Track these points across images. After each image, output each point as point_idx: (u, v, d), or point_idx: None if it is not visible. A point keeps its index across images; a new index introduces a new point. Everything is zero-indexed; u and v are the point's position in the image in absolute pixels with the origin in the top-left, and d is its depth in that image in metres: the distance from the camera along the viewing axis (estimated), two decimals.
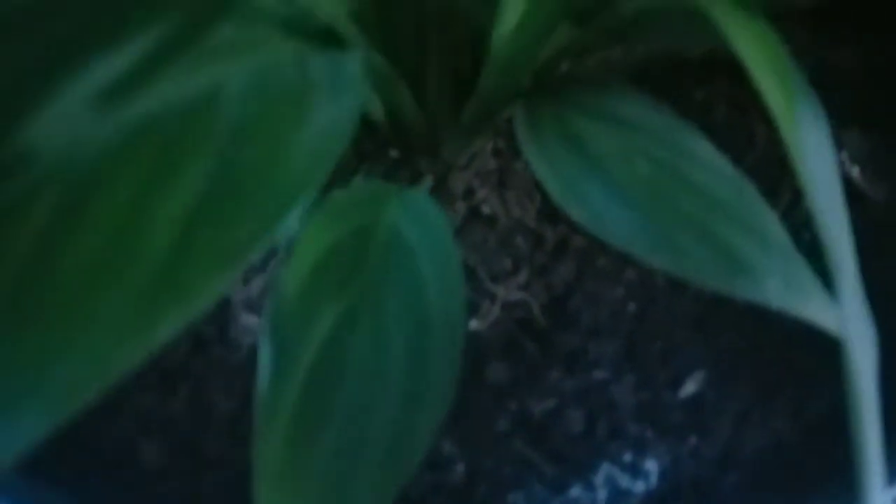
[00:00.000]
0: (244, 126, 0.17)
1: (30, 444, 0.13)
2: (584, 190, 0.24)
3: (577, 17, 0.23)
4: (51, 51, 0.13)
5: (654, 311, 0.34)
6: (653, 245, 0.23)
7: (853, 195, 0.37)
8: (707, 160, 0.24)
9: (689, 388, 0.33)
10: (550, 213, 0.35)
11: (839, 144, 0.35)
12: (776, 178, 0.35)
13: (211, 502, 0.32)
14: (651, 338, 0.34)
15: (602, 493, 0.32)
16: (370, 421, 0.21)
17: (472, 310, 0.34)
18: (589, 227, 0.24)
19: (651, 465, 0.32)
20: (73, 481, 0.30)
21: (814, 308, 0.22)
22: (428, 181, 0.35)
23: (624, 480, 0.32)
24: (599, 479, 0.32)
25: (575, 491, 0.32)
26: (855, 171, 0.33)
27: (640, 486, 0.32)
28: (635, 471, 0.32)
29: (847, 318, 0.17)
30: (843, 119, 0.36)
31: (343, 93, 0.19)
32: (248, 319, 0.33)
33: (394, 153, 0.36)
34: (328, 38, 0.22)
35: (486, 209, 0.36)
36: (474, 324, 0.34)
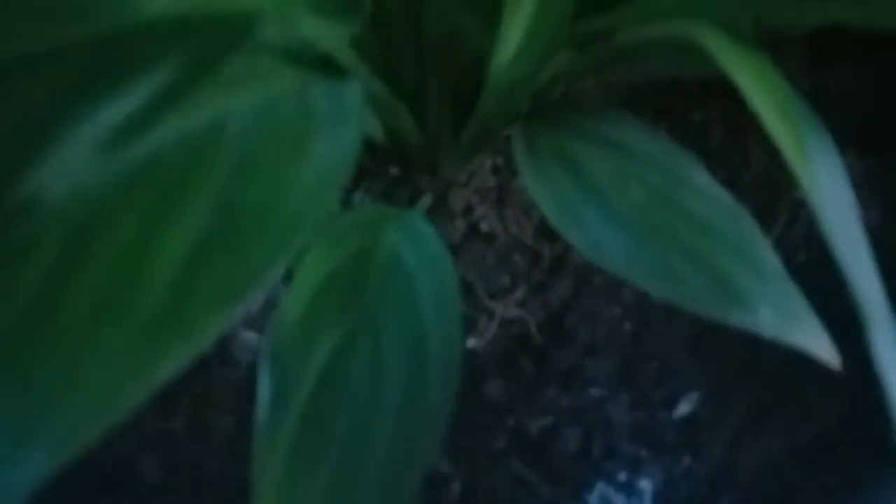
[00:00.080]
0: (247, 161, 0.17)
1: (37, 483, 0.13)
2: (580, 215, 0.25)
3: (576, 45, 0.24)
4: (56, 96, 0.13)
5: (649, 331, 0.34)
6: (648, 271, 0.23)
7: None
8: (702, 187, 0.24)
9: (684, 408, 0.33)
10: (548, 230, 0.36)
11: None
12: (772, 198, 0.35)
13: None
14: (646, 357, 0.34)
15: None
16: (368, 446, 0.21)
17: (470, 326, 0.35)
18: (585, 252, 0.24)
19: (645, 485, 0.32)
20: (74, 497, 0.30)
21: (806, 337, 0.22)
22: (427, 199, 0.36)
23: (619, 500, 0.32)
24: (594, 498, 0.32)
25: None
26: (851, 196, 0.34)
27: None
28: (630, 490, 0.32)
29: (883, 360, 0.17)
30: (840, 141, 0.36)
31: (344, 125, 0.19)
32: (248, 336, 0.34)
33: (394, 170, 0.36)
34: (329, 67, 0.22)
35: (484, 226, 0.36)
36: (472, 342, 0.34)
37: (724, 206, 0.24)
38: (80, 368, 0.13)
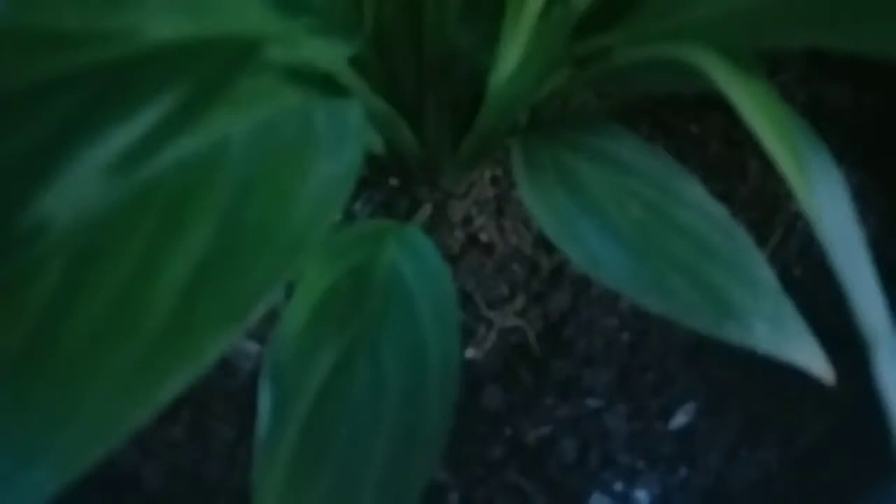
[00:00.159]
0: (249, 182, 0.17)
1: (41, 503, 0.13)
2: (577, 229, 0.25)
3: (575, 63, 0.24)
4: (64, 123, 0.13)
5: (647, 342, 0.34)
6: (643, 286, 0.24)
7: None
8: (698, 204, 0.24)
9: (680, 419, 0.33)
10: (546, 241, 0.36)
11: None
12: (769, 211, 0.36)
13: None
14: (644, 368, 0.34)
15: None
16: (368, 459, 0.21)
17: (469, 336, 0.35)
18: (582, 266, 0.24)
19: (642, 496, 0.32)
20: None
21: (801, 353, 0.22)
22: (427, 209, 0.36)
23: None
24: None
25: None
26: None
27: None
28: (626, 501, 0.32)
29: (886, 378, 0.17)
30: (836, 154, 0.37)
31: (345, 145, 0.19)
32: (248, 346, 0.34)
33: (393, 181, 0.36)
34: (331, 85, 0.22)
35: (483, 237, 0.37)
36: (471, 351, 0.34)
37: (719, 222, 0.24)
38: (83, 389, 0.14)
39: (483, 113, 0.26)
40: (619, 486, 0.32)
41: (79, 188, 0.13)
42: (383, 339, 0.23)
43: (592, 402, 0.34)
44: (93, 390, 0.13)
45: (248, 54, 0.16)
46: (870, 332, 0.18)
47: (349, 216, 0.35)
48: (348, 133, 0.19)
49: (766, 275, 0.24)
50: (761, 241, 0.35)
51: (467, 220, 0.36)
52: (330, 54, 0.20)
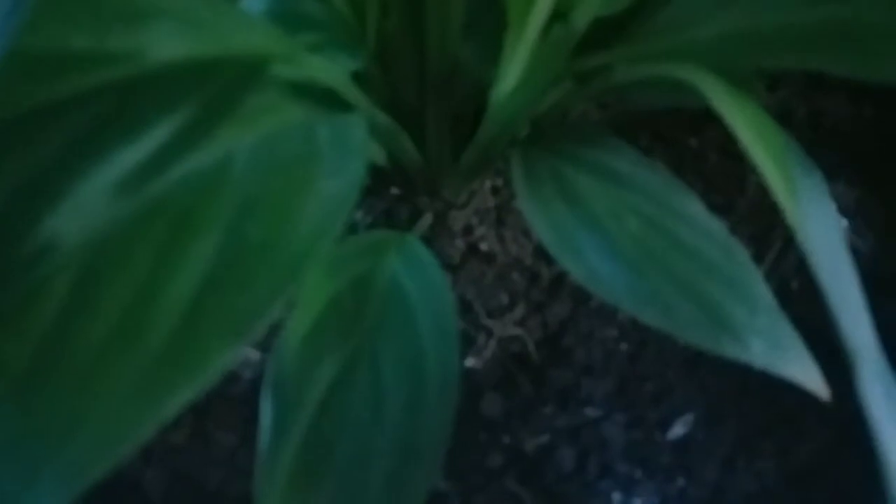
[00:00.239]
0: (253, 198, 0.17)
1: None
2: (576, 242, 0.25)
3: (575, 79, 0.24)
4: (74, 144, 0.13)
5: (645, 352, 0.35)
6: (641, 300, 0.24)
7: None
8: (697, 219, 0.25)
9: (679, 429, 0.33)
10: (546, 251, 0.36)
11: (829, 197, 0.36)
12: (767, 224, 0.36)
13: None
14: (642, 378, 0.34)
15: None
16: (367, 472, 0.21)
17: (469, 345, 0.35)
18: (581, 280, 0.25)
19: None
20: None
21: (796, 369, 0.23)
22: (427, 219, 0.36)
23: None
24: None
25: None
26: (844, 224, 0.34)
27: None
28: None
29: (868, 398, 0.18)
30: (833, 171, 0.37)
31: (348, 160, 0.19)
32: (249, 353, 0.34)
33: (395, 191, 0.36)
34: (334, 100, 0.23)
35: (483, 246, 0.37)
36: (470, 361, 0.35)
37: (717, 238, 0.24)
38: (90, 404, 0.14)
39: (484, 126, 0.27)
40: (616, 496, 0.32)
41: (86, 208, 0.13)
42: (384, 351, 0.23)
43: (591, 412, 0.34)
44: (99, 404, 0.14)
45: (253, 73, 0.16)
46: (854, 348, 0.18)
47: (351, 225, 0.35)
48: (351, 149, 0.19)
49: (763, 291, 0.24)
50: (759, 254, 0.35)
51: (468, 230, 0.37)
52: (333, 70, 0.20)
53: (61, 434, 0.14)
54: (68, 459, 0.14)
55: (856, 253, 0.36)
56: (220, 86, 0.16)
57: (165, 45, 0.16)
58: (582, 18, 0.23)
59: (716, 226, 0.26)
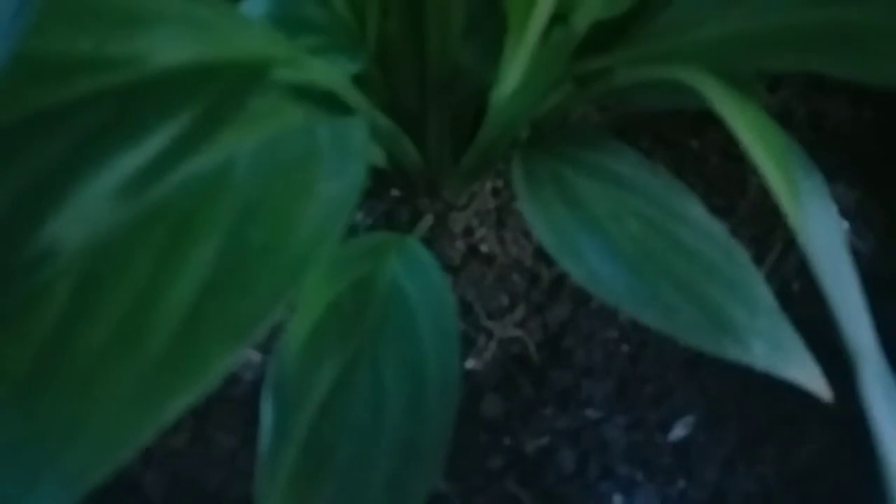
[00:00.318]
0: (253, 202, 0.17)
1: None
2: (577, 244, 0.25)
3: (576, 82, 0.24)
4: (76, 148, 0.13)
5: (646, 354, 0.35)
6: (642, 302, 0.24)
7: None
8: (698, 222, 0.25)
9: (679, 431, 0.33)
10: (547, 252, 0.36)
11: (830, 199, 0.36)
12: (769, 225, 0.36)
13: None
14: (643, 379, 0.34)
15: None
16: (368, 474, 0.21)
17: (469, 346, 0.35)
18: (582, 282, 0.25)
19: None
20: None
21: (798, 371, 0.23)
22: (428, 220, 0.36)
23: None
24: None
25: None
26: (845, 225, 0.34)
27: None
28: None
29: (870, 398, 0.18)
30: (833, 172, 0.37)
31: (349, 163, 0.19)
32: (250, 355, 0.34)
33: (395, 192, 0.36)
34: (334, 102, 0.23)
35: (484, 248, 0.37)
36: (471, 362, 0.35)
37: (718, 240, 0.24)
38: (90, 408, 0.14)
39: (484, 128, 0.27)
40: (617, 498, 0.32)
41: (87, 212, 0.13)
42: (384, 353, 0.23)
43: (592, 414, 0.34)
44: (99, 409, 0.14)
45: (254, 77, 0.16)
46: (855, 349, 0.18)
47: (351, 227, 0.35)
48: (352, 151, 0.19)
49: (764, 293, 0.24)
50: (760, 256, 0.35)
51: (468, 231, 0.37)
52: (333, 73, 0.20)
53: (62, 438, 0.14)
54: (69, 463, 0.14)
55: (856, 254, 0.36)
56: (221, 90, 0.16)
57: (167, 49, 0.16)
58: (582, 21, 0.23)
59: (717, 228, 0.26)
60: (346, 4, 0.25)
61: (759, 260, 0.35)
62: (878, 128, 0.37)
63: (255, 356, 0.34)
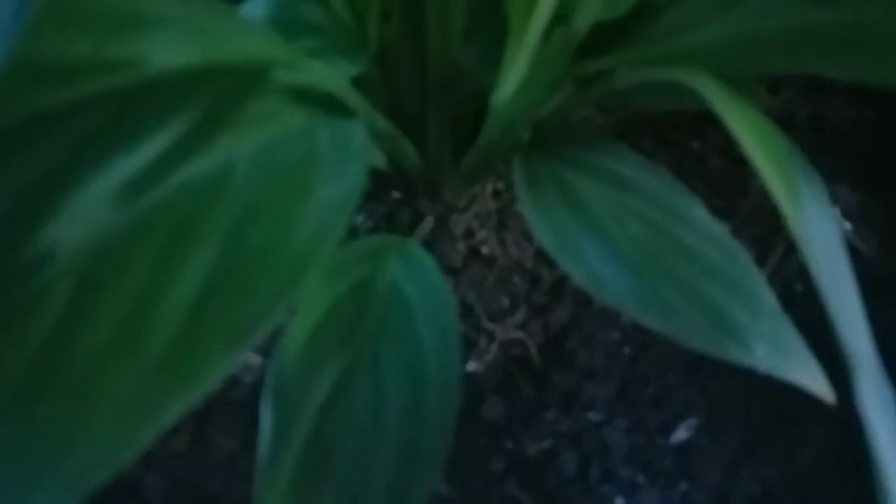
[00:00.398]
0: (252, 205, 0.17)
1: None
2: (578, 246, 0.25)
3: (577, 83, 0.24)
4: (74, 151, 0.13)
5: (648, 356, 0.35)
6: (644, 304, 0.24)
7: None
8: (699, 222, 0.24)
9: (681, 433, 0.33)
10: (548, 254, 0.36)
11: (832, 200, 0.36)
12: (771, 227, 0.36)
13: None
14: (645, 382, 0.34)
15: None
16: (368, 477, 0.21)
17: (470, 348, 0.35)
18: (583, 284, 0.25)
19: None
20: None
21: (801, 373, 0.23)
22: (429, 222, 0.36)
23: None
24: None
25: None
26: (847, 227, 0.34)
27: None
28: None
29: (864, 401, 0.18)
30: (835, 173, 0.37)
31: (348, 166, 0.19)
32: (250, 358, 0.34)
33: (396, 194, 0.36)
34: (334, 104, 0.23)
35: (485, 250, 0.37)
36: (472, 365, 0.35)
37: (720, 242, 0.24)
38: (89, 412, 0.14)
39: (485, 130, 0.27)
40: (619, 501, 0.32)
41: (86, 215, 0.13)
42: (384, 356, 0.23)
43: (593, 416, 0.34)
44: (98, 412, 0.14)
45: (253, 80, 0.16)
46: (851, 353, 0.18)
47: (352, 229, 0.35)
48: (351, 154, 0.19)
49: (766, 294, 0.24)
50: (763, 257, 0.35)
51: (469, 233, 0.37)
52: (333, 76, 0.20)
53: (62, 441, 0.14)
54: (69, 466, 0.14)
55: (858, 256, 0.36)
56: (220, 92, 0.16)
57: (166, 51, 0.16)
58: (583, 22, 0.23)
59: (718, 229, 0.25)
60: (346, 6, 0.25)
61: (761, 261, 0.35)
62: (879, 129, 0.37)
63: (256, 359, 0.34)
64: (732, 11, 0.22)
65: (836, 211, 0.35)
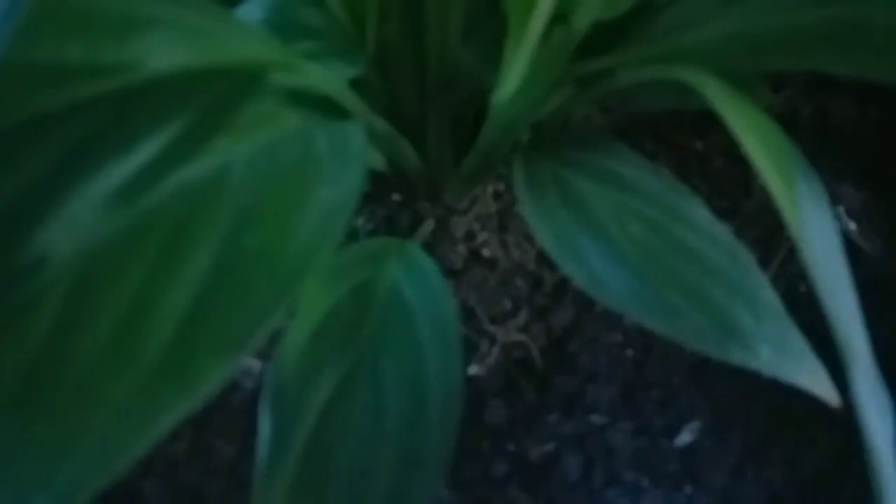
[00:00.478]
0: (249, 209, 0.17)
1: None
2: (579, 248, 0.25)
3: (577, 83, 0.24)
4: (68, 155, 0.13)
5: (651, 358, 0.34)
6: (646, 306, 0.24)
7: (850, 250, 0.37)
8: (702, 225, 0.24)
9: (686, 437, 0.33)
10: (549, 256, 0.36)
11: (835, 199, 0.36)
12: (774, 227, 0.36)
13: None
14: (648, 384, 0.34)
15: None
16: (369, 483, 0.21)
17: (472, 351, 0.35)
18: (584, 286, 0.24)
19: None
20: None
21: (805, 375, 0.22)
22: (429, 224, 0.36)
23: None
24: None
25: None
26: (851, 226, 0.34)
27: None
28: None
29: (861, 400, 0.18)
30: (838, 172, 0.37)
31: (346, 169, 0.19)
32: (250, 362, 0.34)
33: (396, 197, 0.36)
34: (332, 106, 0.23)
35: (486, 252, 0.37)
36: (474, 368, 0.34)
37: (723, 244, 0.24)
38: (84, 421, 0.14)
39: (485, 131, 0.26)
40: None
41: (80, 219, 0.13)
42: (384, 361, 0.23)
43: (596, 419, 0.34)
44: (94, 421, 0.13)
45: (250, 82, 0.16)
46: (848, 353, 0.18)
47: (351, 232, 0.35)
48: (350, 156, 0.19)
49: (770, 296, 0.24)
50: (766, 258, 0.35)
51: (470, 235, 0.36)
52: (330, 78, 0.20)
53: (59, 446, 0.14)
54: (66, 472, 0.13)
55: (862, 255, 0.36)
56: (216, 95, 0.15)
57: (161, 54, 0.16)
58: (582, 21, 0.23)
59: (721, 230, 0.25)
60: (344, 8, 0.25)
61: (764, 262, 0.35)
62: (883, 127, 0.36)
63: (255, 364, 0.34)
64: (733, 9, 0.22)
65: (840, 210, 0.34)
